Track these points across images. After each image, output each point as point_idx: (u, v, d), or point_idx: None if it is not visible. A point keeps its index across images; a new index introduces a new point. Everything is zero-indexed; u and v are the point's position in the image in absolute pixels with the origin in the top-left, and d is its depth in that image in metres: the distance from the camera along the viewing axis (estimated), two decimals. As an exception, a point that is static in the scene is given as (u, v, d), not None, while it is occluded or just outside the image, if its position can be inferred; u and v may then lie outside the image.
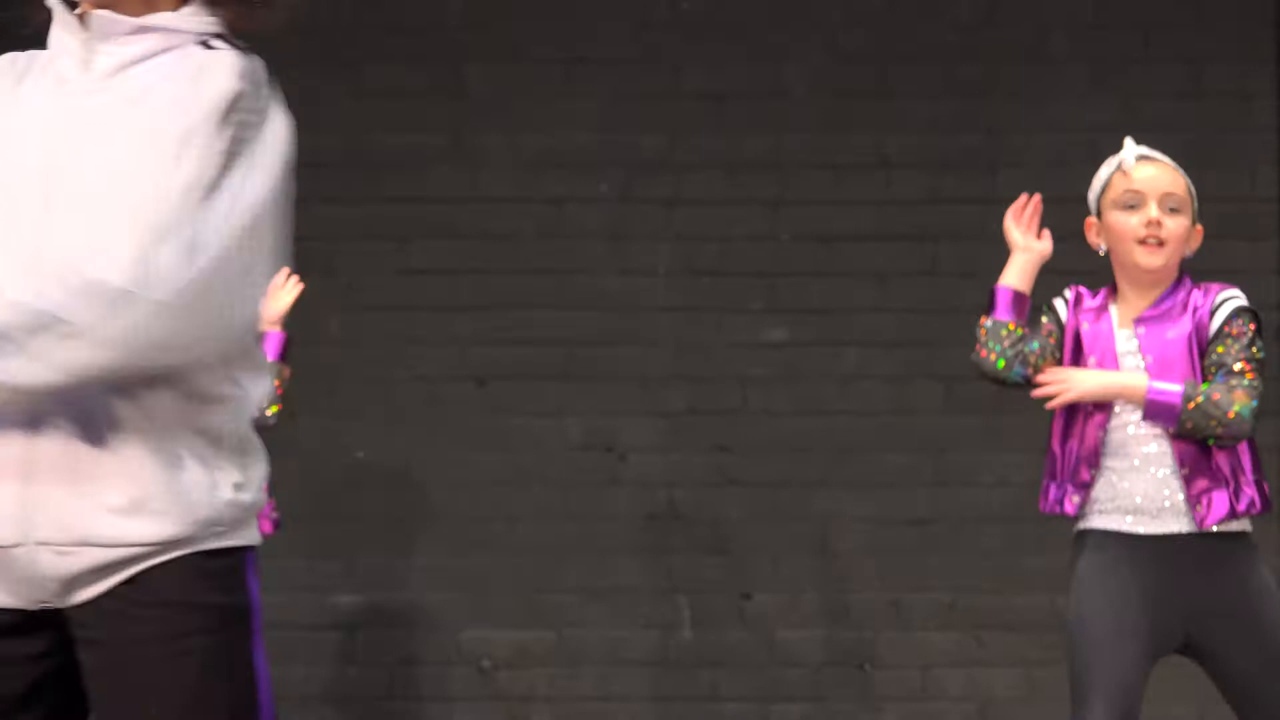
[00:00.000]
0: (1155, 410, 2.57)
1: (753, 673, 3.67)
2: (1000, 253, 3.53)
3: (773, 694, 3.66)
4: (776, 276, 3.75)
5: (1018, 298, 2.70)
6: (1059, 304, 2.75)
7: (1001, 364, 2.70)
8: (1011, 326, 2.70)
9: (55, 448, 1.35)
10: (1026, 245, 2.73)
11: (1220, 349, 2.71)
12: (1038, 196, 2.65)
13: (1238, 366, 2.65)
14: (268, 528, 2.75)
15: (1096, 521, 2.62)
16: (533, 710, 3.70)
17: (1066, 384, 2.64)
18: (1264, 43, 3.76)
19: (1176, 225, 2.66)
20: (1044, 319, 2.73)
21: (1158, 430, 2.64)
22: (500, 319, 3.64)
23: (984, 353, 2.73)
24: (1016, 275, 2.70)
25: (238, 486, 1.37)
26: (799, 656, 3.66)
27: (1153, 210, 2.64)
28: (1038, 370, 2.71)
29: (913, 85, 3.80)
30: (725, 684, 3.66)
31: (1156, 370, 2.62)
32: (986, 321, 2.71)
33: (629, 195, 3.75)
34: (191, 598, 1.35)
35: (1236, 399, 2.60)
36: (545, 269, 3.67)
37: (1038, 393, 2.64)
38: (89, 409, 1.34)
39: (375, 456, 3.49)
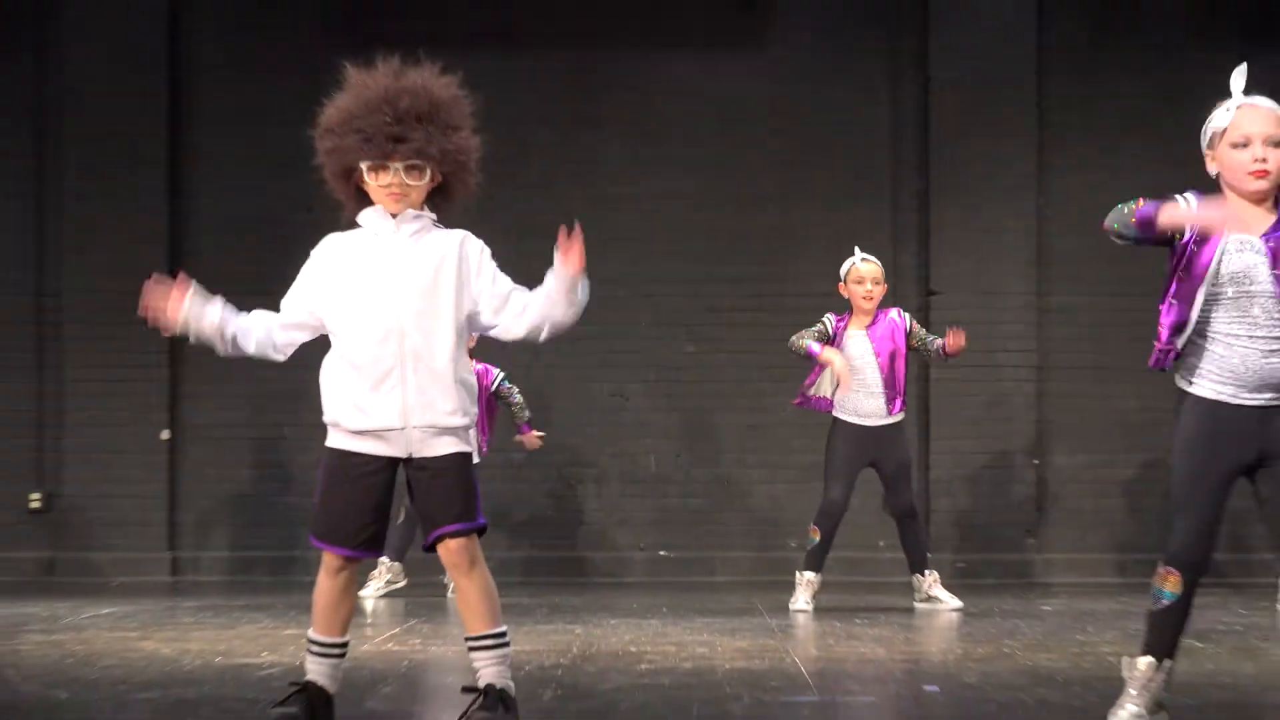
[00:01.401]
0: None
1: (678, 485, 7.99)
2: (784, 313, 8.10)
3: (687, 494, 8.00)
4: (691, 325, 8.00)
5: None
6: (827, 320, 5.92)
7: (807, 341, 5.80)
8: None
9: (416, 384, 3.08)
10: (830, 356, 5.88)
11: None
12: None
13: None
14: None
15: None
16: (583, 503, 7.99)
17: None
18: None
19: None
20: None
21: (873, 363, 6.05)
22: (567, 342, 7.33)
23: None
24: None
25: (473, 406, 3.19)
26: (698, 478, 7.99)
27: None
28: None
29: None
30: (670, 491, 7.98)
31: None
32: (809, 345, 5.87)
33: (635, 291, 7.93)
34: (461, 449, 3.15)
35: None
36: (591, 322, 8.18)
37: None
38: (432, 371, 3.07)
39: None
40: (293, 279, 3.26)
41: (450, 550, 3.27)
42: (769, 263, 8.11)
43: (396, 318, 3.18)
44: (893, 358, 6.03)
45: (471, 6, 8.18)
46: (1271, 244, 3.17)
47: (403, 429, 3.17)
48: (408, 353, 3.20)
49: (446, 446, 3.22)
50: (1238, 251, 3.18)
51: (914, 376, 6.97)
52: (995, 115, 7.91)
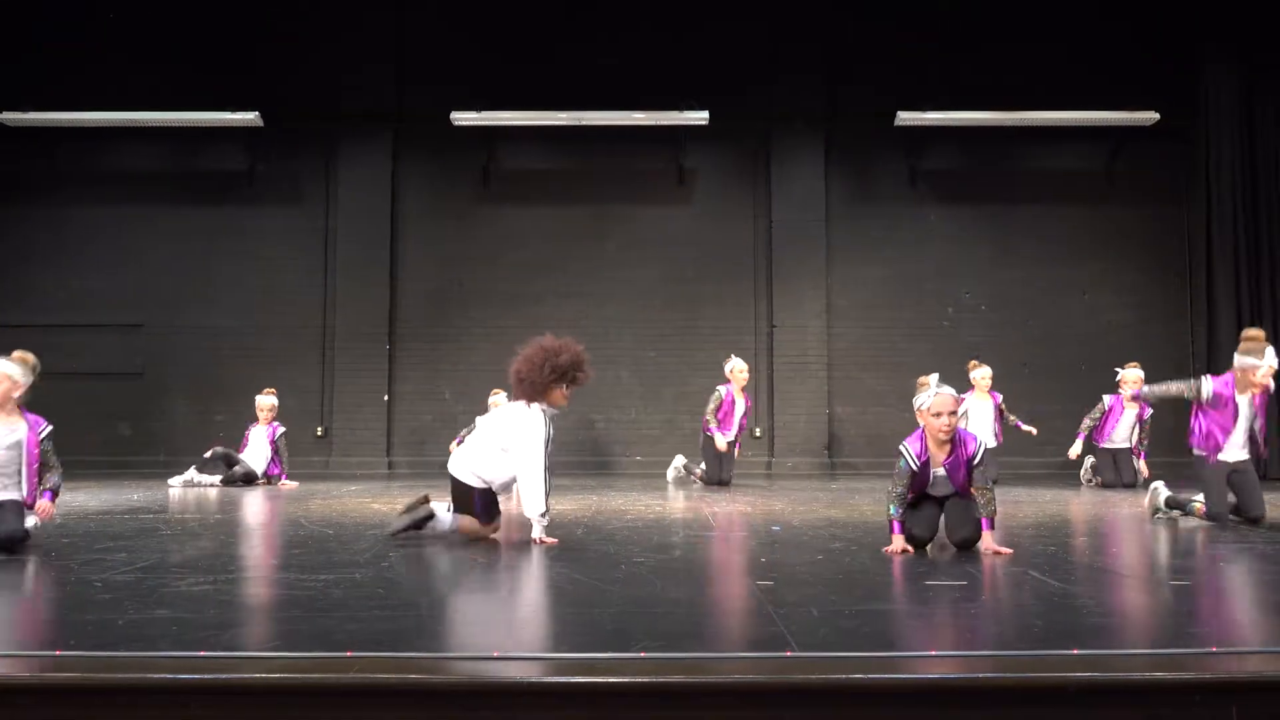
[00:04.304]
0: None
1: (644, 425, 14.25)
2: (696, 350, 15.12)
3: (649, 429, 14.35)
4: (652, 343, 14.29)
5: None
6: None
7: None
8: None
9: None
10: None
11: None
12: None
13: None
14: None
15: None
16: (598, 436, 14.24)
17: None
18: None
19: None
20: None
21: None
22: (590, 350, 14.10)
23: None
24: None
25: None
26: (653, 421, 14.22)
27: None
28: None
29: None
30: (641, 427, 14.26)
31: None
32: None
33: (624, 325, 14.68)
34: (474, 485, 5.97)
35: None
36: (598, 342, 14.86)
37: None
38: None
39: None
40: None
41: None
42: (687, 313, 14.44)
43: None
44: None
45: (531, 184, 14.67)
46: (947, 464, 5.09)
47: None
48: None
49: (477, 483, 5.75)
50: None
51: (762, 373, 13.89)
52: (804, 236, 14.22)
